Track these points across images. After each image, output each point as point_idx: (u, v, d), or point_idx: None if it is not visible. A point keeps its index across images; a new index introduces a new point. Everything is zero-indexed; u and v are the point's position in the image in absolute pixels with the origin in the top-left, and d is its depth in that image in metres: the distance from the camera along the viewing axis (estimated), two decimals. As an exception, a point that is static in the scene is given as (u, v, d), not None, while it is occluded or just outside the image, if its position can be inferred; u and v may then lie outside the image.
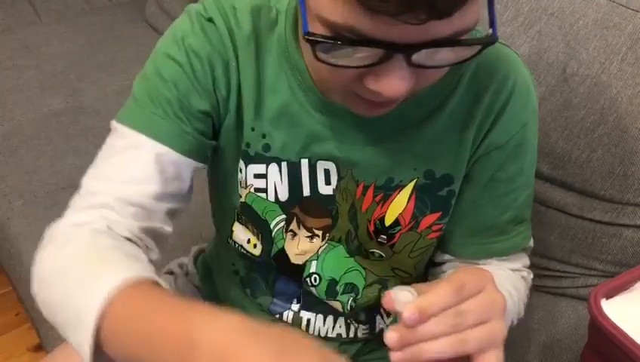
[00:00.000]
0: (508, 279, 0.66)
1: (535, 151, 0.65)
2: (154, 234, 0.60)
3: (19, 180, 1.17)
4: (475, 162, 0.63)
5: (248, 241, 0.69)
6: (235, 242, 0.70)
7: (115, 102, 1.35)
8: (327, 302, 0.70)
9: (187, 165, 0.60)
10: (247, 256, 0.70)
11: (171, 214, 0.61)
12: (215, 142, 0.63)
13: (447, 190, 0.63)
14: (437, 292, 0.45)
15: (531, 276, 0.72)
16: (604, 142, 0.84)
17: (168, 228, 0.61)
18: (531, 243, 0.71)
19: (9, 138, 1.25)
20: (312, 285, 0.69)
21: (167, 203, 0.60)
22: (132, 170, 0.58)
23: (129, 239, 0.57)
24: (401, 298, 0.45)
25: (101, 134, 1.24)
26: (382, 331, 0.76)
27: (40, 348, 1.37)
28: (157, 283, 0.48)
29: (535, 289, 0.94)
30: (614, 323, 0.53)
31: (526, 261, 0.71)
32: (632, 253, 0.86)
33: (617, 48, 0.82)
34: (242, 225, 0.68)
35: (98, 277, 0.48)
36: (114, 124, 0.61)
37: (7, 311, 1.50)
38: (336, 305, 0.70)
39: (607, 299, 0.56)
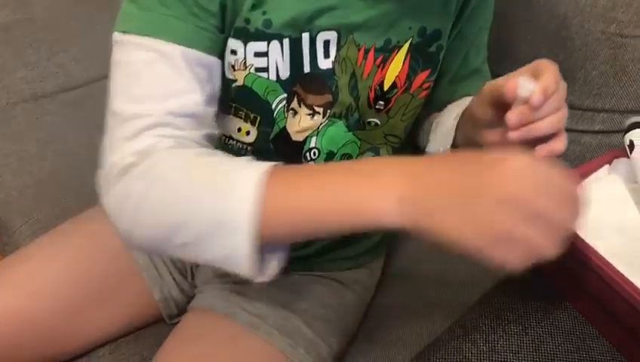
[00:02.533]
0: None
1: None
2: (211, 140, 0.58)
3: (-33, 95, 1.12)
4: (466, 20, 0.68)
5: (239, 130, 0.67)
6: (223, 135, 0.69)
7: (66, 14, 1.29)
8: None
9: (215, 63, 0.58)
10: (232, 149, 0.69)
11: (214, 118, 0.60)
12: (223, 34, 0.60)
13: (436, 45, 0.66)
14: (550, 79, 0.52)
15: None
16: (567, 47, 0.83)
17: (216, 132, 0.60)
18: None
19: (-46, 51, 1.19)
20: (311, 159, 0.70)
21: (212, 107, 0.58)
22: (170, 81, 0.54)
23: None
24: (526, 85, 0.51)
25: (53, 47, 1.21)
26: None
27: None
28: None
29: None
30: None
31: None
32: (589, 158, 0.86)
33: (584, -53, 0.79)
34: (231, 114, 0.67)
35: (229, 182, 0.48)
36: (119, 36, 0.56)
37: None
38: None
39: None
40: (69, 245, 0.78)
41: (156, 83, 0.54)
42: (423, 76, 0.68)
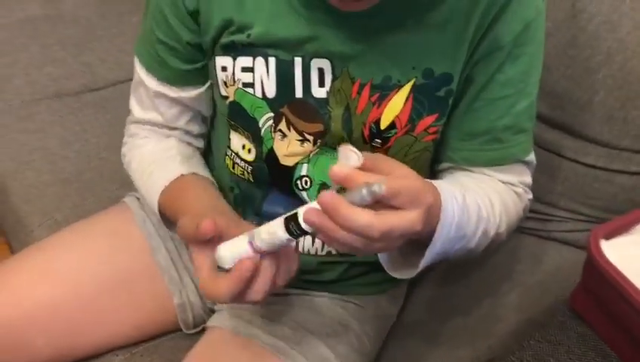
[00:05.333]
0: (496, 190, 0.66)
1: (540, 59, 0.65)
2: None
3: (-9, 88, 1.11)
4: (476, 64, 0.62)
5: (243, 147, 0.70)
6: (232, 152, 0.72)
7: (95, 12, 1.29)
8: None
9: (178, 91, 0.73)
10: (237, 170, 0.71)
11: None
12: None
13: (445, 90, 0.62)
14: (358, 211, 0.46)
15: (529, 196, 0.71)
16: (608, 84, 0.81)
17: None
18: (532, 158, 0.70)
19: (-20, 43, 1.18)
20: (303, 188, 0.68)
21: (175, 122, 0.75)
22: (142, 99, 0.75)
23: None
24: (349, 158, 0.47)
25: (80, 45, 1.21)
26: None
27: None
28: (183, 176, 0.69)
29: (520, 231, 0.93)
30: (612, 264, 0.52)
31: (525, 178, 0.70)
32: (622, 199, 0.85)
33: (632, -14, 0.78)
34: (235, 131, 0.70)
35: (153, 181, 0.70)
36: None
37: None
38: None
39: (606, 239, 0.54)
40: (90, 237, 0.78)
41: (140, 95, 0.74)
42: (429, 120, 0.63)
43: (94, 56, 1.20)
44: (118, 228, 0.79)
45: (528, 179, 0.71)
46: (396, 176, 0.49)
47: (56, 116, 1.08)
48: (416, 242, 0.56)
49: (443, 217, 0.54)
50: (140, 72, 0.72)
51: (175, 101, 0.72)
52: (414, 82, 0.61)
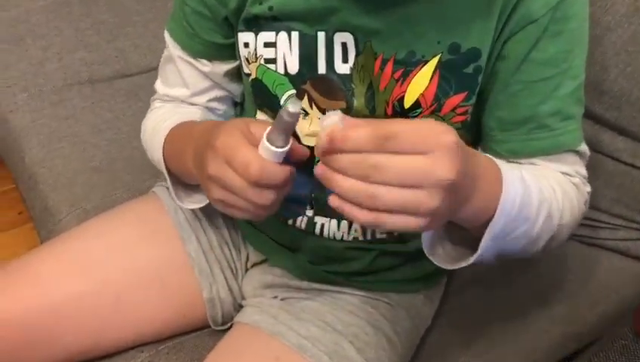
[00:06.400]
0: (555, 178, 0.61)
1: (585, 37, 0.60)
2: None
3: (24, 72, 1.09)
4: (507, 40, 0.58)
5: None
6: None
7: (130, -3, 1.26)
8: None
9: (208, 65, 0.72)
10: None
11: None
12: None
13: (473, 66, 0.59)
14: (357, 132, 0.43)
15: (588, 188, 0.65)
16: (673, 84, 0.76)
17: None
18: (585, 148, 0.65)
19: (14, 25, 1.16)
20: None
21: (200, 96, 0.75)
22: (170, 75, 0.76)
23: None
24: (328, 120, 0.44)
25: (114, 30, 1.18)
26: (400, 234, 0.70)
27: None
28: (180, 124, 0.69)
29: (570, 238, 0.88)
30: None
31: (580, 169, 0.65)
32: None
33: None
34: (261, 111, 0.69)
35: (157, 140, 0.70)
36: None
37: (9, 209, 1.47)
38: None
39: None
40: (119, 227, 0.77)
41: (166, 73, 0.75)
42: (456, 99, 0.60)
43: (128, 41, 1.18)
44: (147, 218, 0.77)
45: (583, 170, 0.65)
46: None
47: (88, 103, 1.06)
48: (468, 238, 0.53)
49: (505, 190, 0.50)
50: (171, 45, 0.72)
51: (204, 75, 0.72)
52: (440, 58, 0.58)
